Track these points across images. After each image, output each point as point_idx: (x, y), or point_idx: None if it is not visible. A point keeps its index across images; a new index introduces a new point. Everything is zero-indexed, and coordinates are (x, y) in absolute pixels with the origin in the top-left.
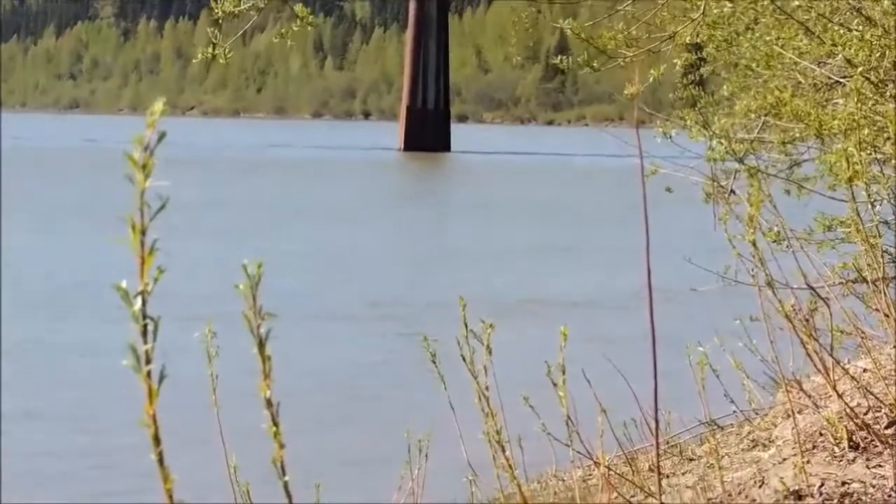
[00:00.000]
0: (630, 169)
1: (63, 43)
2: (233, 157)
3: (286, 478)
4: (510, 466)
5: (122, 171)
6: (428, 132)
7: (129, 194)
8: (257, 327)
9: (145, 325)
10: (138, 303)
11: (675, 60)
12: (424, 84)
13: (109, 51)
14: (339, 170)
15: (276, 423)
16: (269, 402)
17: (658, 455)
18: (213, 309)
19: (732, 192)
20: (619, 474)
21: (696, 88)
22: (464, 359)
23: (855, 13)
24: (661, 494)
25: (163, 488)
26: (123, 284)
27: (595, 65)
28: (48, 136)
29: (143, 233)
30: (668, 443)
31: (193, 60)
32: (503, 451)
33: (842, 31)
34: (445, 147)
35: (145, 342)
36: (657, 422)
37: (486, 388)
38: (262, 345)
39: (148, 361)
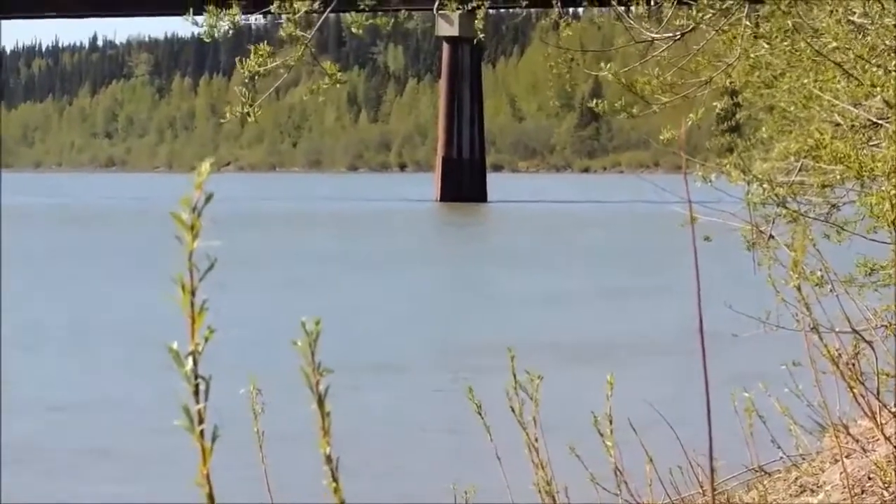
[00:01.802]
0: (666, 215)
1: (98, 101)
2: (271, 212)
3: None
4: None
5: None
6: (464, 182)
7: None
8: (316, 384)
9: (197, 385)
10: (189, 363)
11: (714, 103)
12: (459, 134)
13: (144, 108)
14: (378, 222)
15: (335, 479)
16: (328, 458)
17: (712, 491)
18: (260, 362)
19: (772, 236)
20: None
21: (733, 132)
22: (513, 410)
23: (893, 53)
24: None
25: None
26: (175, 346)
27: (632, 110)
28: (86, 194)
29: (193, 293)
30: (715, 490)
31: (222, 120)
32: (554, 501)
33: (880, 73)
34: (482, 197)
35: (197, 402)
36: (712, 471)
37: (536, 440)
38: (321, 401)
39: (201, 421)
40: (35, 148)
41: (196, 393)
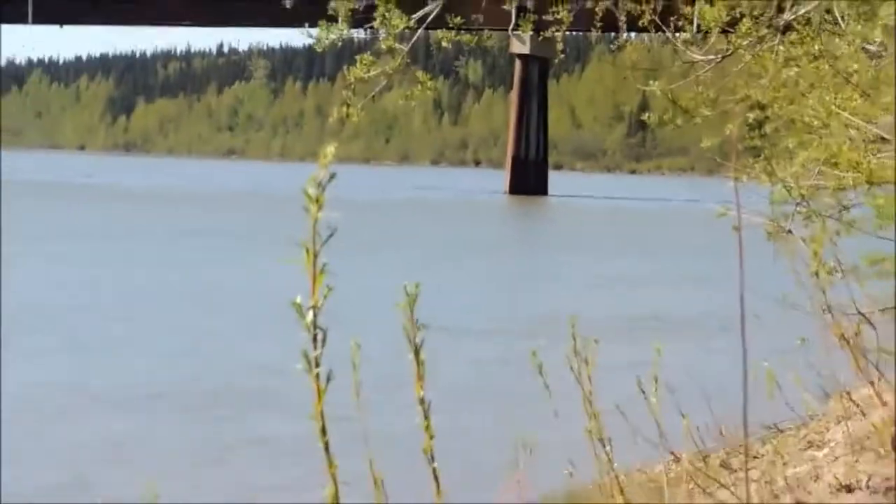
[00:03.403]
0: (700, 211)
1: (222, 100)
2: (364, 199)
3: (434, 464)
4: (609, 459)
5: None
6: (529, 178)
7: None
8: (413, 337)
9: (315, 335)
10: (310, 315)
11: (747, 114)
12: (527, 138)
13: (261, 107)
14: (457, 209)
15: (427, 418)
16: (422, 400)
17: (746, 445)
18: (368, 321)
19: (790, 231)
20: (696, 468)
21: (762, 141)
22: (572, 369)
23: None
24: (747, 472)
25: (328, 472)
26: (298, 300)
27: (677, 122)
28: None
29: (315, 256)
30: (736, 443)
31: (330, 119)
32: (603, 446)
33: (892, 93)
34: (544, 191)
35: (315, 349)
36: (745, 416)
37: (590, 393)
38: (416, 351)
39: (317, 365)
40: (169, 137)
41: (314, 341)
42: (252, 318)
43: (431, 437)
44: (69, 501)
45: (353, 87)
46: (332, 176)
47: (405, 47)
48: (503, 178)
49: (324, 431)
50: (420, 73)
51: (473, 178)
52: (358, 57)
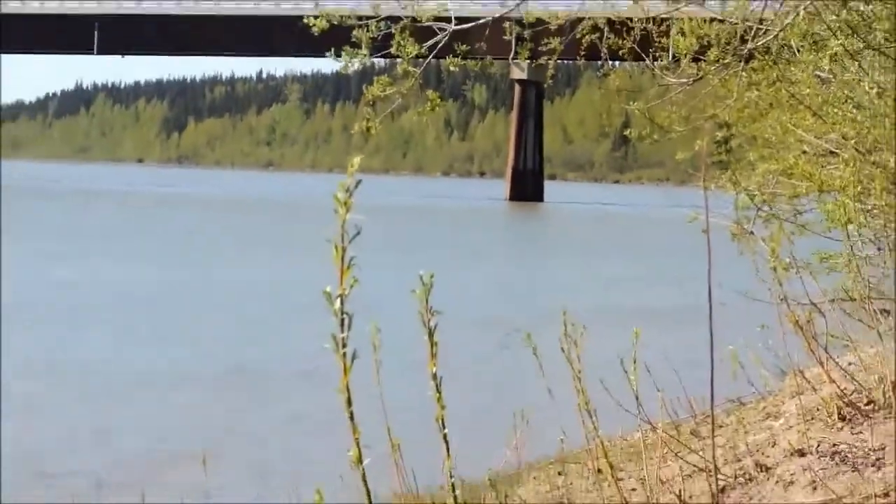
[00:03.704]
0: (674, 216)
1: (261, 119)
2: (383, 205)
3: (445, 430)
4: (595, 428)
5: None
6: (527, 187)
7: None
8: (428, 321)
9: (342, 320)
10: (338, 303)
11: (716, 132)
12: (525, 151)
13: (295, 125)
14: (463, 214)
15: (438, 391)
16: (434, 376)
17: (713, 415)
18: (387, 309)
19: (752, 232)
20: (669, 435)
21: (727, 154)
22: (563, 350)
23: (849, 100)
24: (713, 439)
25: (353, 437)
26: (328, 289)
27: (654, 137)
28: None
29: (344, 251)
30: (703, 414)
31: (352, 132)
32: (590, 417)
33: (839, 113)
34: (540, 198)
35: (342, 332)
36: (712, 391)
37: (579, 372)
38: (430, 333)
39: (344, 346)
40: (215, 151)
41: (342, 324)
42: (290, 307)
43: (443, 408)
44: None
45: (372, 104)
46: (358, 182)
47: (418, 70)
48: (504, 186)
49: (349, 402)
50: (431, 93)
51: (478, 186)
52: (376, 78)
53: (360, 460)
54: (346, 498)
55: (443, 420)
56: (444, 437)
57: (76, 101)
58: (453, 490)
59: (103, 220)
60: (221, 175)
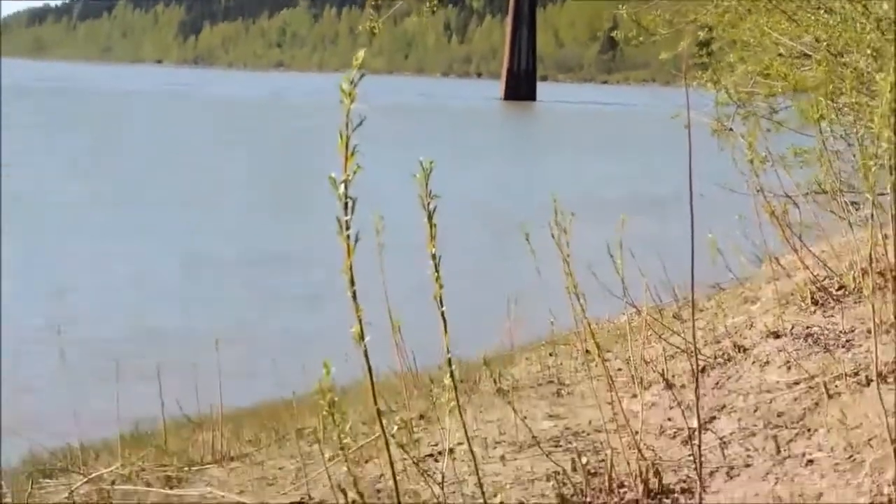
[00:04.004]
0: (658, 113)
1: (273, 22)
2: (386, 102)
3: (443, 308)
4: (583, 311)
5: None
6: (521, 87)
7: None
8: (427, 204)
9: (346, 203)
10: (342, 188)
11: (699, 33)
12: (519, 54)
13: (304, 28)
14: (462, 111)
15: (437, 270)
16: (433, 256)
17: (693, 299)
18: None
19: (731, 129)
20: (653, 318)
21: (709, 56)
22: (553, 235)
23: (821, 5)
24: (693, 321)
25: (355, 315)
26: (333, 174)
27: (640, 39)
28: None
29: (348, 139)
30: (684, 299)
31: (357, 33)
32: (578, 300)
33: (812, 18)
34: (533, 97)
35: (346, 215)
36: (693, 276)
37: (568, 257)
38: (430, 216)
39: (347, 228)
40: (229, 53)
41: (345, 208)
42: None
43: (441, 287)
44: None
45: (376, 6)
46: (363, 75)
47: None
48: (500, 86)
49: (352, 282)
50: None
51: (476, 86)
52: None
53: (361, 337)
54: (351, 375)
55: (441, 298)
56: (442, 314)
57: (99, 4)
58: (450, 364)
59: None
60: (236, 75)
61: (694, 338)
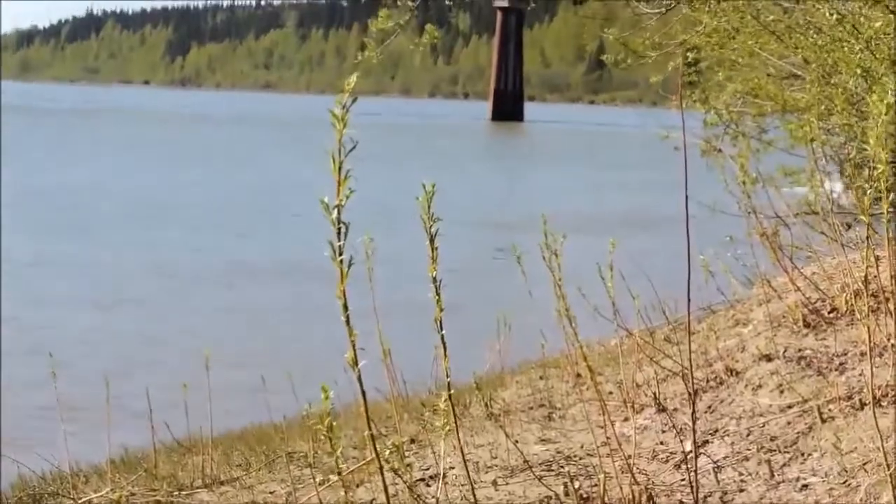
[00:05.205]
0: (645, 134)
1: (260, 43)
2: (374, 123)
3: (443, 332)
4: (574, 333)
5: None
6: (508, 107)
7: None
8: (430, 227)
9: (339, 228)
10: (335, 213)
11: (687, 53)
12: (506, 74)
13: (291, 49)
14: (449, 131)
15: (438, 294)
16: (434, 279)
17: (689, 321)
18: (383, 220)
19: (719, 150)
20: (645, 341)
21: (697, 75)
22: (544, 258)
23: (810, 25)
24: (690, 344)
25: (349, 339)
26: (325, 199)
27: (627, 62)
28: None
29: (341, 164)
30: (676, 321)
31: (355, 61)
32: (570, 323)
33: (801, 38)
34: (520, 117)
35: (339, 240)
36: (689, 298)
37: (560, 279)
38: (432, 239)
39: (340, 253)
40: (216, 74)
41: (338, 233)
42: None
43: (441, 310)
44: None
45: (373, 35)
46: (355, 100)
47: (414, 4)
48: (487, 107)
49: (346, 307)
50: (429, 27)
51: (462, 107)
52: (380, 11)
53: (355, 362)
54: (339, 398)
55: (441, 322)
56: (442, 338)
57: (87, 26)
58: (449, 389)
59: (124, 136)
60: (223, 96)
61: (690, 362)
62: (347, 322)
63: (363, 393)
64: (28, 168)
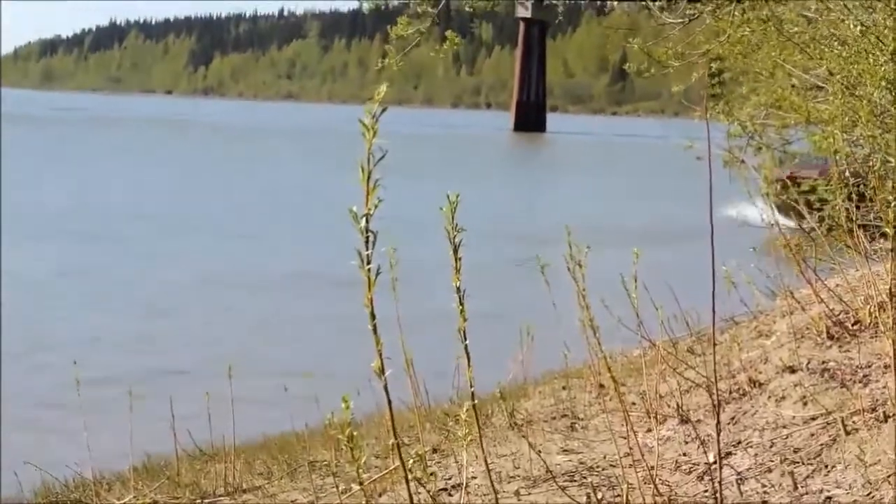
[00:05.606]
0: (668, 145)
1: (283, 54)
2: (400, 133)
3: (466, 342)
4: (598, 343)
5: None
6: (530, 118)
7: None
8: (453, 238)
9: (367, 237)
10: (363, 222)
11: (710, 65)
12: (529, 85)
13: (314, 60)
14: (473, 141)
15: (462, 303)
16: (458, 289)
17: (714, 332)
18: (406, 228)
19: (743, 161)
20: (668, 352)
21: (721, 86)
22: (569, 269)
23: (834, 37)
24: (715, 355)
25: (375, 348)
26: (354, 208)
27: (651, 72)
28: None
29: (370, 174)
30: (699, 332)
31: (376, 68)
32: (593, 333)
33: (825, 49)
34: (542, 128)
35: (367, 249)
36: (714, 310)
37: (584, 290)
38: (455, 250)
39: (368, 262)
40: (239, 84)
41: (366, 242)
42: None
43: (465, 320)
44: None
45: (393, 43)
46: (384, 109)
47: (434, 11)
48: (509, 117)
49: (373, 316)
50: (450, 33)
51: (485, 117)
52: (399, 19)
53: (382, 371)
54: (361, 408)
55: (464, 332)
56: (466, 348)
57: (110, 35)
58: (473, 399)
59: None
60: (246, 106)
61: (716, 374)
62: (374, 331)
63: (389, 402)
64: (45, 178)
